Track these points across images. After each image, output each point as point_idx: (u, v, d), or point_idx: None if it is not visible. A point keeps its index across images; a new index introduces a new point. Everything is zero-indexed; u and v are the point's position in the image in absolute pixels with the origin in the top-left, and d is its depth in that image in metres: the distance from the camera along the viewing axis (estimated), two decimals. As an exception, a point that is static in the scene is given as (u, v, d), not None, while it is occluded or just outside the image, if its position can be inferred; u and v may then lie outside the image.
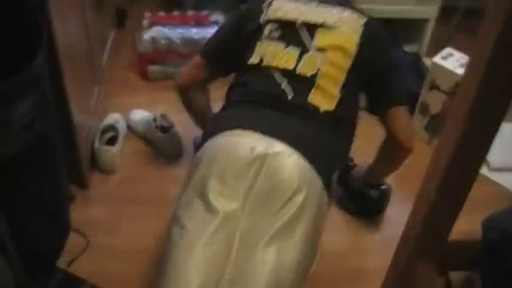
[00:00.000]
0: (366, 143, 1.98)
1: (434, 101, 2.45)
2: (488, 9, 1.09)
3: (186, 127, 2.31)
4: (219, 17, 2.78)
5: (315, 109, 1.57)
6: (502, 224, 1.40)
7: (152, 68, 2.73)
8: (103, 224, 2.08)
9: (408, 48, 3.00)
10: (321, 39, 1.64)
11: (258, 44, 1.67)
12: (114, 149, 2.26)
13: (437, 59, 2.39)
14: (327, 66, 1.61)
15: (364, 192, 2.15)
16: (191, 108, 2.02)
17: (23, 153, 1.46)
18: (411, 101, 2.49)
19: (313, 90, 1.59)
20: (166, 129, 2.34)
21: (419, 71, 2.73)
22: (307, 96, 1.59)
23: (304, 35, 1.65)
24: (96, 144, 2.24)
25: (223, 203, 1.33)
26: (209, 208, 1.33)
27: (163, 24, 2.72)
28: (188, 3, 3.00)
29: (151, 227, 2.00)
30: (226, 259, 1.29)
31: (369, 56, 1.66)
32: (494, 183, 2.31)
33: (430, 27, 2.97)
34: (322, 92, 1.59)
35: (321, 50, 1.63)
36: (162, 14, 2.81)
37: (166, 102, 2.53)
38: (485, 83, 1.08)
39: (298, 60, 1.62)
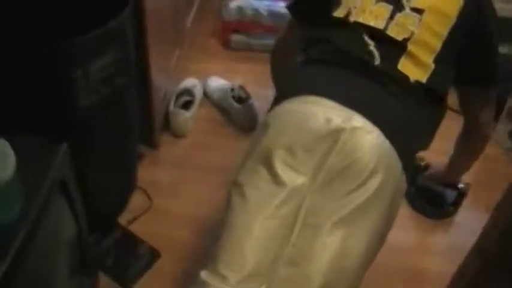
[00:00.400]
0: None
1: (526, 107, 2.32)
2: None
3: (262, 101, 2.26)
4: (308, -7, 2.70)
5: (404, 78, 1.39)
6: None
7: (235, 37, 2.70)
8: (167, 187, 2.08)
9: (500, 49, 2.84)
10: None
11: None
12: (188, 114, 2.25)
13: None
14: (421, 29, 1.43)
15: (438, 192, 2.07)
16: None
17: (101, 106, 1.46)
18: (498, 103, 2.38)
19: (403, 56, 1.41)
20: (242, 100, 2.32)
21: (509, 73, 2.58)
22: (396, 62, 1.40)
23: None
24: (171, 106, 2.24)
25: (290, 176, 1.22)
26: (275, 179, 1.23)
27: (252, -6, 2.69)
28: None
29: (214, 196, 1.96)
30: (287, 237, 1.20)
31: (470, 23, 1.46)
32: None
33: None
34: (413, 59, 1.42)
35: (416, 10, 1.44)
36: (250, -17, 2.76)
37: (245, 73, 2.51)
38: None
39: (390, 19, 1.44)
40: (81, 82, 1.35)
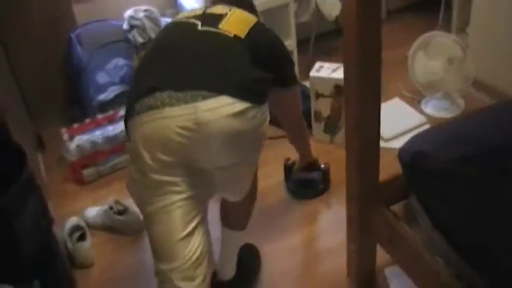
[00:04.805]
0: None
1: (323, 106, 2.93)
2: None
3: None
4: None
5: (227, 33, 1.71)
6: (413, 147, 1.73)
7: (86, 172, 2.93)
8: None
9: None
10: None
11: None
12: (87, 243, 2.46)
13: (313, 73, 2.88)
14: (235, 13, 1.81)
15: (308, 178, 2.61)
16: None
17: None
18: (305, 117, 2.92)
19: (224, 20, 1.74)
20: (123, 211, 2.58)
21: (302, 92, 3.17)
22: (217, 25, 1.72)
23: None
24: (69, 245, 2.44)
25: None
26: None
27: (82, 132, 2.97)
28: (92, 110, 3.22)
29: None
30: None
31: (260, 43, 1.81)
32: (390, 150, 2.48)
33: (294, 59, 3.45)
34: (232, 23, 1.74)
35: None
36: (76, 125, 3.04)
37: (111, 194, 2.77)
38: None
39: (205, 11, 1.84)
40: None
